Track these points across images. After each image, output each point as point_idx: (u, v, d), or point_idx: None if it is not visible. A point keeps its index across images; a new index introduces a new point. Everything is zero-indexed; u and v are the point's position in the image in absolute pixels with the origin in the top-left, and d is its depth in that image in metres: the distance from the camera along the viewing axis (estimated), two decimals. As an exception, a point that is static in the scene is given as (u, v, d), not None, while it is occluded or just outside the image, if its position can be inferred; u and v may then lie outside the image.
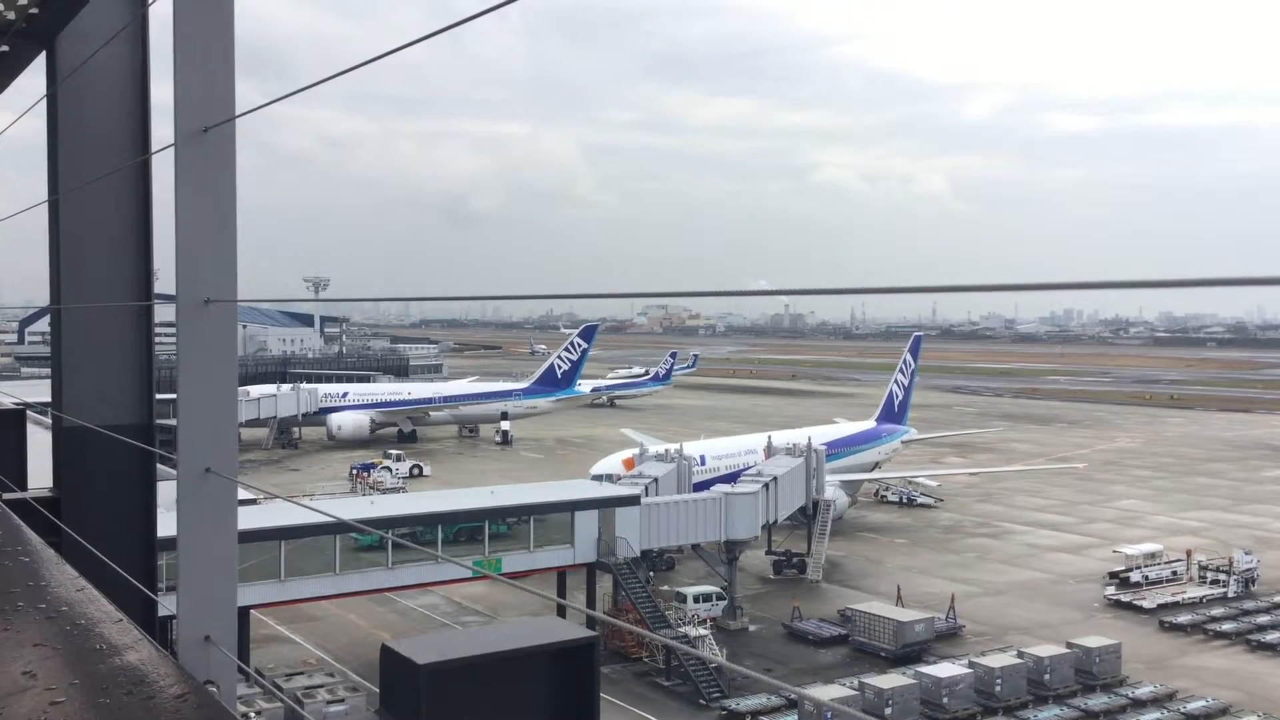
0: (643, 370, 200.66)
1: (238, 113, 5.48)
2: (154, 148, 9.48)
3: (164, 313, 9.95)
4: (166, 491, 9.74)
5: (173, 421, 5.67)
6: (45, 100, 9.72)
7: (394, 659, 4.87)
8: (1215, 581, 69.11)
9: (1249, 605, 65.72)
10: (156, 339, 9.99)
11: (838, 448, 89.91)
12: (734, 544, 62.87)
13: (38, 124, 10.30)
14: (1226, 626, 61.82)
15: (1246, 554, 71.17)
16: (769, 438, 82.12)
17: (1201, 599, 66.95)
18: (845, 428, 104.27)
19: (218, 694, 4.93)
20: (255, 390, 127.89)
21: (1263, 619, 62.93)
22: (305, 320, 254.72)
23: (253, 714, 39.47)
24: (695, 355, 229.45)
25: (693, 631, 55.55)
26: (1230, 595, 67.68)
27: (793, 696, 49.50)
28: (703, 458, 78.07)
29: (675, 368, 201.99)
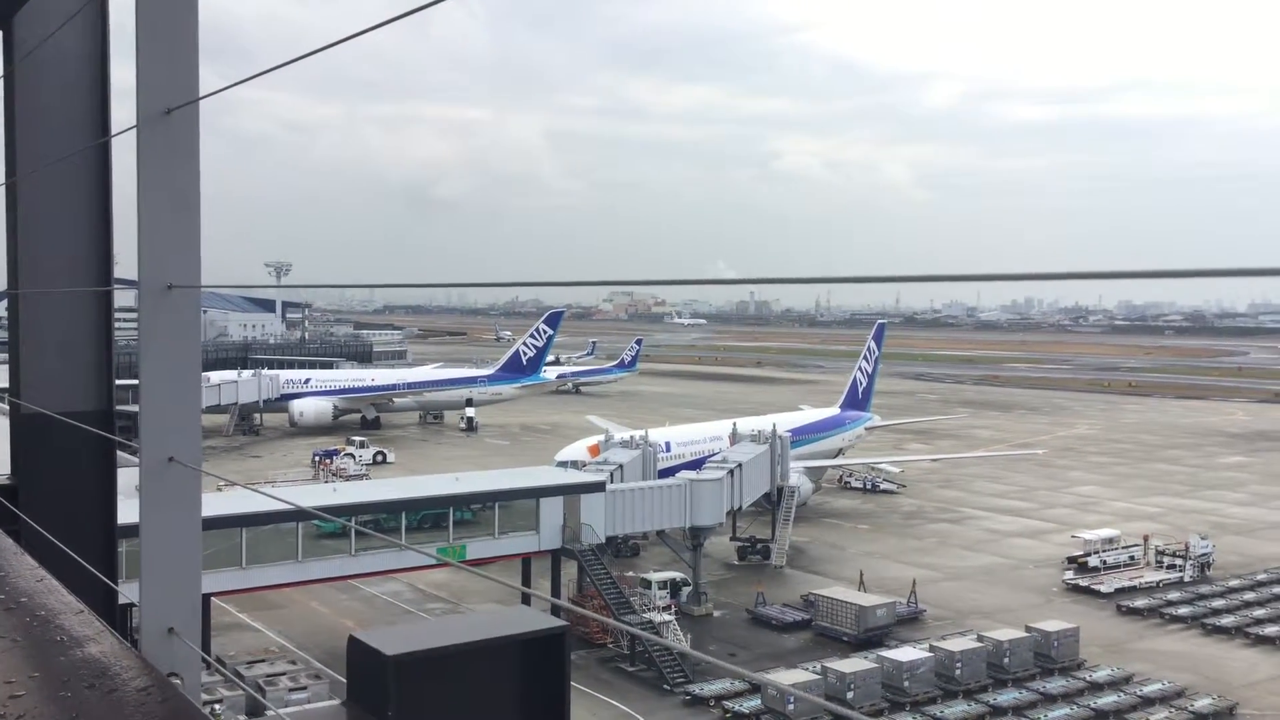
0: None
1: (201, 94, 5.37)
2: (114, 130, 9.30)
3: (121, 298, 9.80)
4: (124, 479, 9.61)
5: (131, 408, 5.55)
6: (2, 81, 9.51)
7: (362, 650, 4.81)
8: (1172, 566, 70.14)
9: (1205, 589, 66.70)
10: (115, 325, 9.82)
11: (802, 434, 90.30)
12: (699, 530, 63.05)
13: (-7, 105, 10.08)
14: (1183, 611, 62.76)
15: (1202, 539, 72.25)
16: (734, 424, 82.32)
17: (1158, 583, 67.91)
18: (809, 415, 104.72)
19: (182, 686, 4.86)
20: (216, 376, 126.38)
21: (1218, 603, 63.88)
22: (267, 306, 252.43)
23: (216, 705, 39.14)
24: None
25: (657, 617, 55.72)
26: (1186, 580, 68.72)
27: (756, 681, 49.79)
28: (668, 444, 78.19)
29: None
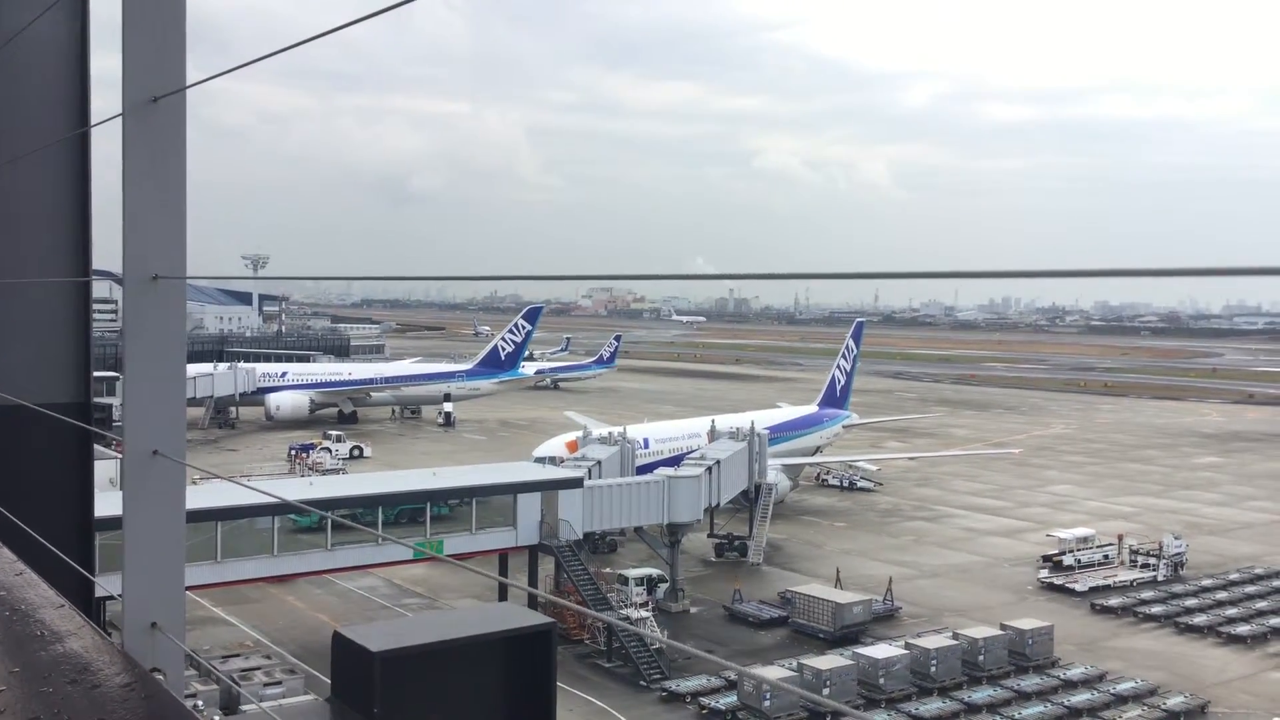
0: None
1: (188, 83, 5.29)
2: (95, 118, 9.20)
3: (97, 289, 9.69)
4: (99, 471, 9.53)
5: (107, 400, 5.49)
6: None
7: (346, 646, 4.76)
8: (1145, 565, 70.68)
9: (1178, 589, 67.19)
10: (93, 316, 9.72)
11: (780, 432, 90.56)
12: (676, 527, 63.08)
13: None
14: (1156, 609, 63.24)
15: (1176, 539, 72.81)
16: (712, 421, 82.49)
17: (1132, 582, 68.42)
18: (788, 412, 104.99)
19: (165, 682, 4.80)
20: (191, 369, 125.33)
21: (1190, 602, 64.36)
22: (243, 298, 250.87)
23: (199, 703, 38.88)
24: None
25: (634, 614, 55.72)
26: (1160, 579, 69.23)
27: (732, 677, 49.83)
28: (646, 441, 78.18)
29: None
